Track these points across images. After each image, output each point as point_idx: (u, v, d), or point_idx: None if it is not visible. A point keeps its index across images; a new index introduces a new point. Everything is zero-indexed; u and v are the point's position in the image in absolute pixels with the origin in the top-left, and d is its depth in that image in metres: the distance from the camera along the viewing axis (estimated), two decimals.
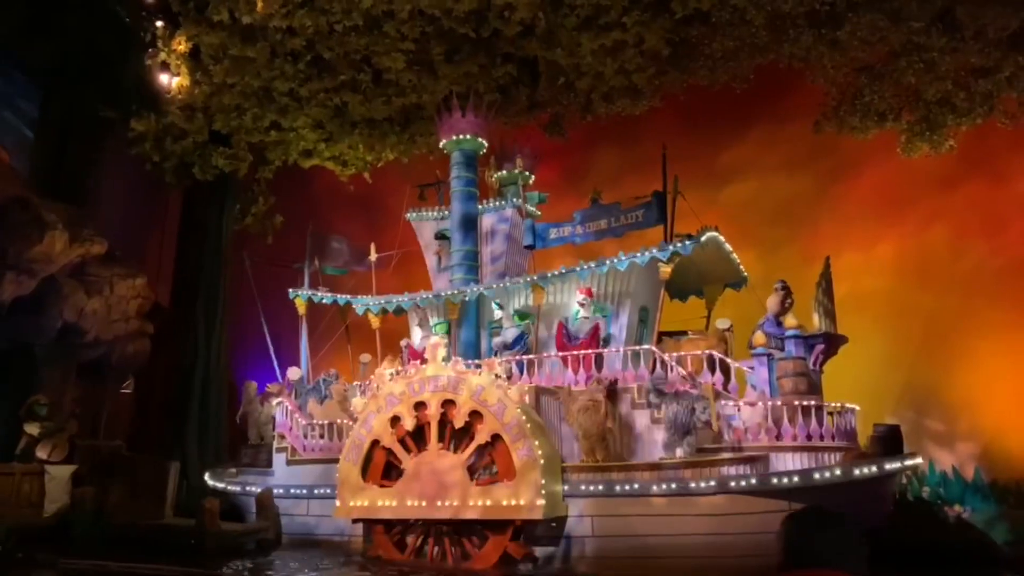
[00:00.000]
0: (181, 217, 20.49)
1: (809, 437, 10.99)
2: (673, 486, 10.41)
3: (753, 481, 10.01)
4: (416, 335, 15.43)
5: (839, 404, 11.48)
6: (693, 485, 10.30)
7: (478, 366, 12.00)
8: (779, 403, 11.19)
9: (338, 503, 12.18)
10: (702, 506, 10.21)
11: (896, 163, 17.07)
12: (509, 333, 13.98)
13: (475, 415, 11.49)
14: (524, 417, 11.20)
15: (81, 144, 18.57)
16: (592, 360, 12.70)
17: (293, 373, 15.74)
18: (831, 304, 12.21)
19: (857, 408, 11.83)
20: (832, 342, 11.99)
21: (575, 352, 12.74)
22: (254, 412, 15.98)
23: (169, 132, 17.27)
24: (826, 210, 19.22)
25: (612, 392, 11.53)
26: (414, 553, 11.60)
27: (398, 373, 12.51)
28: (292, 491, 13.51)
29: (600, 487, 10.92)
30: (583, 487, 11.08)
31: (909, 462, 10.44)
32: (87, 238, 16.14)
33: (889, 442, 10.37)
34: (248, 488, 14.34)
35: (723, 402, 11.89)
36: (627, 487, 10.72)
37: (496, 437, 11.28)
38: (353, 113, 17.08)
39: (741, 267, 14.55)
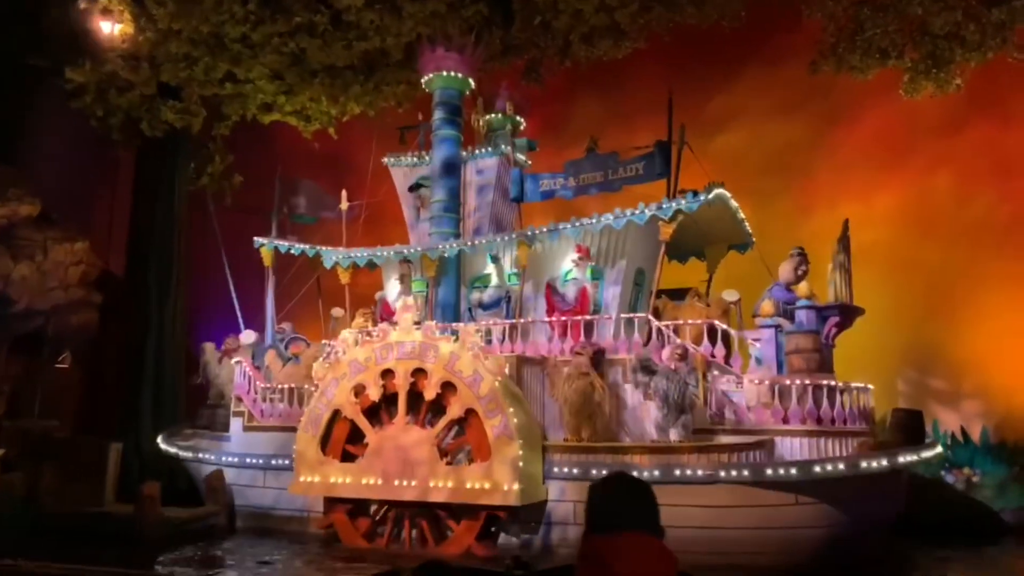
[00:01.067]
0: (134, 178, 18.84)
1: (819, 420, 9.82)
2: (667, 472, 9.24)
3: (766, 471, 8.84)
4: (392, 289, 14.09)
5: (856, 384, 10.30)
6: (689, 473, 9.14)
7: (454, 332, 10.72)
8: (787, 381, 9.99)
9: (294, 477, 11.00)
10: (699, 496, 9.07)
11: (898, 106, 15.84)
12: (489, 293, 12.67)
13: (448, 387, 10.26)
14: (502, 390, 9.96)
15: (8, 97, 16.80)
16: (581, 327, 11.44)
17: (247, 336, 14.42)
18: (849, 272, 10.95)
19: (872, 387, 10.64)
20: (848, 314, 10.76)
21: (561, 318, 11.47)
22: (213, 370, 14.71)
23: (113, 84, 15.60)
24: (823, 158, 17.99)
25: (597, 361, 10.29)
26: (381, 536, 10.48)
27: (368, 332, 11.24)
28: (248, 461, 12.31)
29: (585, 470, 9.76)
30: (566, 469, 9.92)
31: (927, 453, 9.31)
32: (14, 198, 14.59)
33: (909, 430, 9.21)
34: (202, 455, 13.14)
35: (724, 377, 10.69)
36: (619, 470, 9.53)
37: (470, 412, 10.06)
38: (312, 60, 15.55)
39: (748, 227, 13.22)
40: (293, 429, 11.62)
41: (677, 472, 9.18)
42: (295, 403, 12.23)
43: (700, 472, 9.07)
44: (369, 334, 11.21)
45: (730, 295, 12.23)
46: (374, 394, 10.66)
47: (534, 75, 16.64)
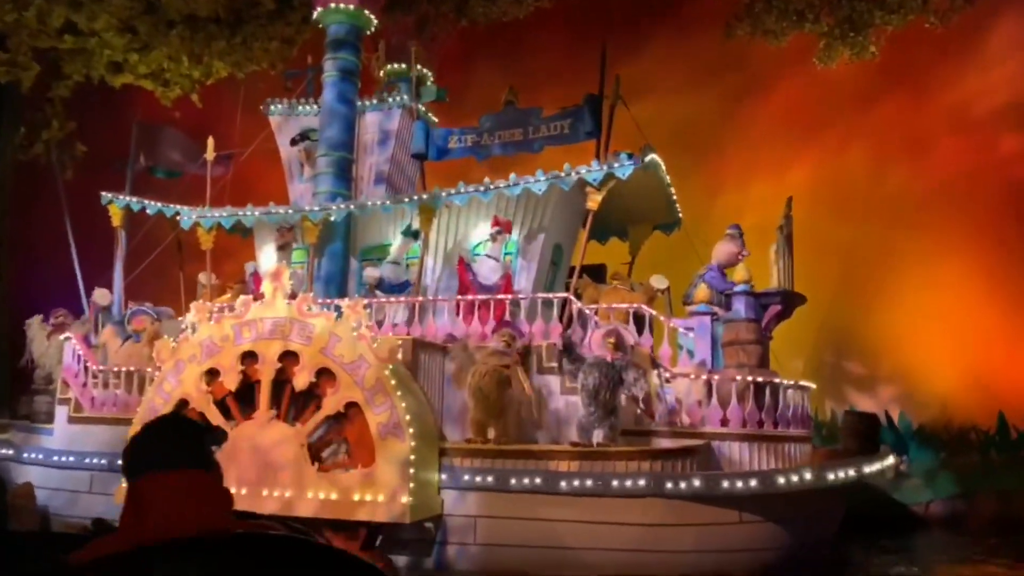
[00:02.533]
0: None
1: (761, 423, 8.49)
2: (590, 483, 7.64)
3: (721, 483, 7.35)
4: (267, 260, 11.88)
5: (800, 382, 9.05)
6: (617, 484, 7.56)
7: (338, 308, 8.73)
8: (727, 376, 8.60)
9: (123, 484, 8.72)
10: (630, 511, 7.51)
11: (811, 78, 15.22)
12: (386, 269, 10.71)
13: (324, 374, 8.28)
14: (393, 381, 8.08)
15: None
16: (505, 310, 9.69)
17: (101, 297, 11.91)
18: (791, 255, 9.72)
19: (813, 387, 9.43)
20: (789, 302, 9.53)
21: (485, 298, 9.66)
22: (40, 347, 12.08)
23: None
24: (733, 134, 17.16)
25: (525, 353, 8.59)
26: None
27: (230, 307, 9.09)
28: (67, 460, 9.89)
29: (491, 478, 8.02)
30: (466, 477, 8.15)
31: (887, 463, 8.13)
32: None
33: (864, 436, 7.99)
34: (4, 452, 10.58)
35: (652, 371, 9.20)
36: (527, 480, 7.87)
37: (352, 406, 8.13)
38: (168, 9, 13.18)
39: (677, 205, 11.86)
40: (129, 421, 9.34)
41: (615, 483, 7.59)
42: (134, 389, 9.89)
43: (641, 482, 7.51)
44: (231, 308, 9.06)
45: (659, 281, 10.80)
46: (230, 382, 8.55)
47: (427, 34, 14.85)
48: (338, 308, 8.65)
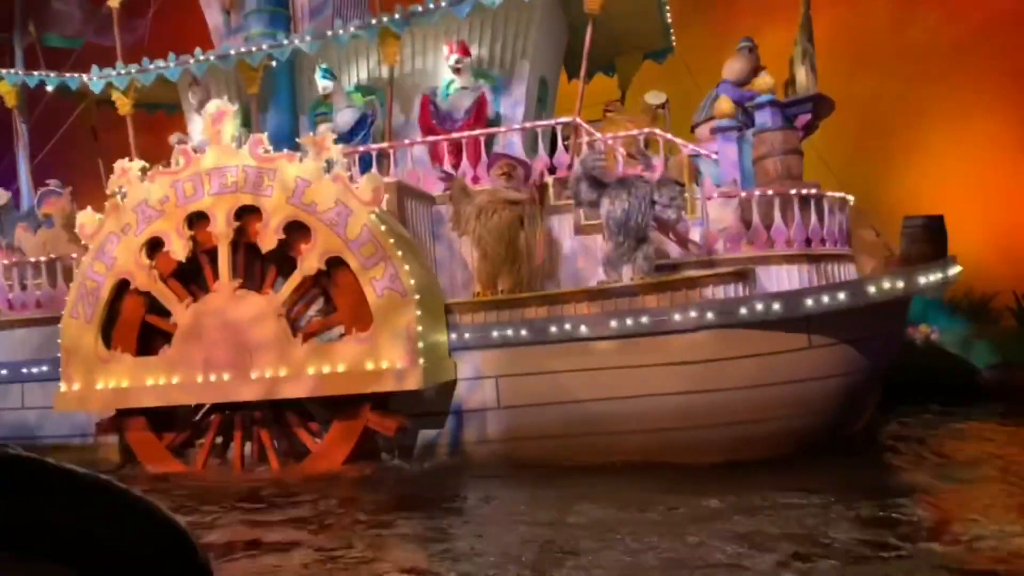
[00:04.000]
0: None
1: (809, 241, 7.43)
2: (638, 321, 6.49)
3: (768, 306, 6.25)
4: (196, 130, 10.05)
5: (838, 194, 7.97)
6: (675, 317, 6.42)
7: (297, 148, 7.15)
8: (768, 193, 7.44)
9: (63, 387, 7.21)
10: (676, 350, 6.42)
11: None
12: (344, 117, 9.05)
13: (296, 229, 6.79)
14: (383, 227, 6.66)
15: None
16: (481, 145, 8.26)
17: None
18: (814, 57, 8.47)
19: (852, 199, 8.37)
20: (820, 108, 8.34)
21: (455, 136, 8.17)
22: None
23: None
24: None
25: (543, 191, 7.22)
26: (208, 461, 7.05)
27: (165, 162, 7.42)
28: None
29: (511, 331, 6.79)
30: (481, 334, 6.90)
31: (954, 270, 7.19)
32: None
33: (935, 240, 6.99)
34: None
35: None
36: (555, 328, 6.67)
37: (335, 263, 6.70)
38: None
39: (671, 27, 10.42)
40: (57, 320, 7.74)
41: (644, 319, 6.46)
42: (59, 280, 8.21)
43: (695, 313, 6.38)
44: (167, 164, 7.37)
45: (655, 96, 9.49)
46: (179, 251, 6.99)
47: None
48: (297, 147, 7.06)
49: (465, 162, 8.03)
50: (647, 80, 11.37)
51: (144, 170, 7.26)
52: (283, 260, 6.94)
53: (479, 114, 8.53)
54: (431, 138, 8.23)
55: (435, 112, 8.48)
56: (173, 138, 9.91)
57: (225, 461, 7.16)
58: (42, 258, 8.26)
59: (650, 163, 7.44)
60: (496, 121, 8.86)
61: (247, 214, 6.90)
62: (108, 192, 7.33)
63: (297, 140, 7.23)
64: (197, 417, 7.27)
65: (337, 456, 6.65)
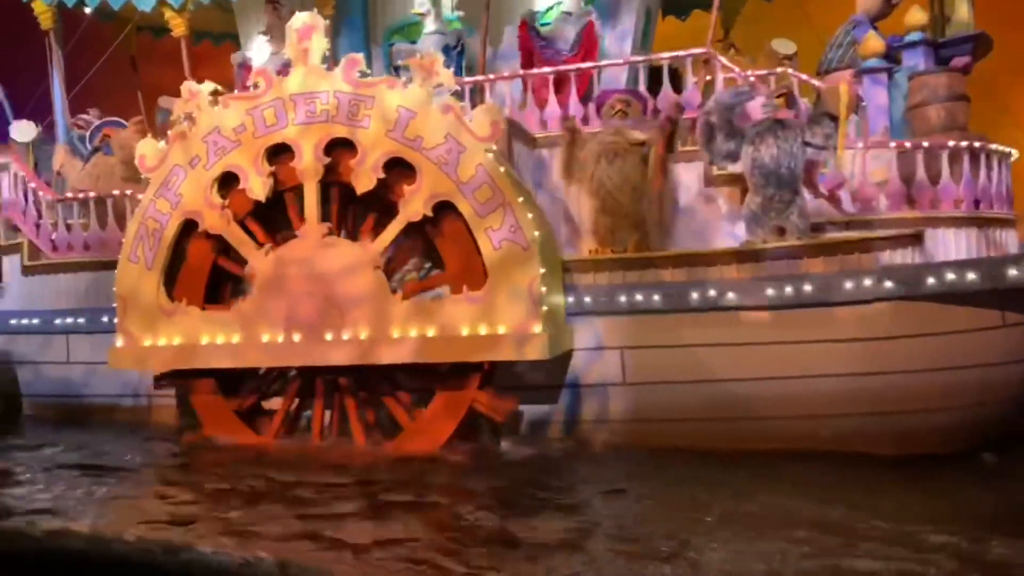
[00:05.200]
0: None
1: (977, 202, 6.44)
2: (791, 290, 5.54)
3: (962, 275, 5.28)
4: (261, 51, 9.01)
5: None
6: (833, 288, 5.47)
7: (397, 70, 6.15)
8: (935, 145, 6.41)
9: (119, 342, 6.31)
10: (845, 324, 5.47)
11: None
12: (428, 45, 7.98)
13: (397, 167, 5.81)
14: (502, 168, 5.68)
15: None
16: (593, 83, 7.23)
17: (21, 131, 8.96)
18: None
19: (1016, 154, 7.31)
20: (981, 47, 7.26)
21: (564, 68, 7.12)
22: None
23: None
24: None
25: (674, 129, 6.18)
26: (284, 431, 6.18)
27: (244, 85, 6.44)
28: (33, 323, 7.37)
29: (642, 296, 5.84)
30: (605, 298, 5.96)
31: None
32: None
33: None
34: None
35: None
36: (698, 294, 5.72)
37: (443, 208, 5.74)
38: None
39: None
40: (113, 264, 6.82)
41: (808, 287, 5.50)
42: (110, 219, 7.25)
43: (848, 284, 5.43)
44: (247, 86, 6.36)
45: (783, 45, 8.41)
46: (257, 189, 6.02)
47: None
48: (397, 69, 6.05)
49: (574, 101, 7.00)
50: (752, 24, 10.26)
51: (216, 93, 6.26)
52: (380, 203, 5.98)
53: (588, 47, 7.48)
54: (536, 70, 7.15)
55: (537, 38, 7.41)
56: (236, 56, 8.85)
57: (297, 432, 6.30)
58: (93, 193, 7.29)
59: (798, 105, 6.40)
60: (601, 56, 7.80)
61: (339, 148, 5.91)
62: (173, 118, 6.33)
63: (400, 63, 6.17)
64: (268, 379, 6.38)
65: (437, 435, 5.75)
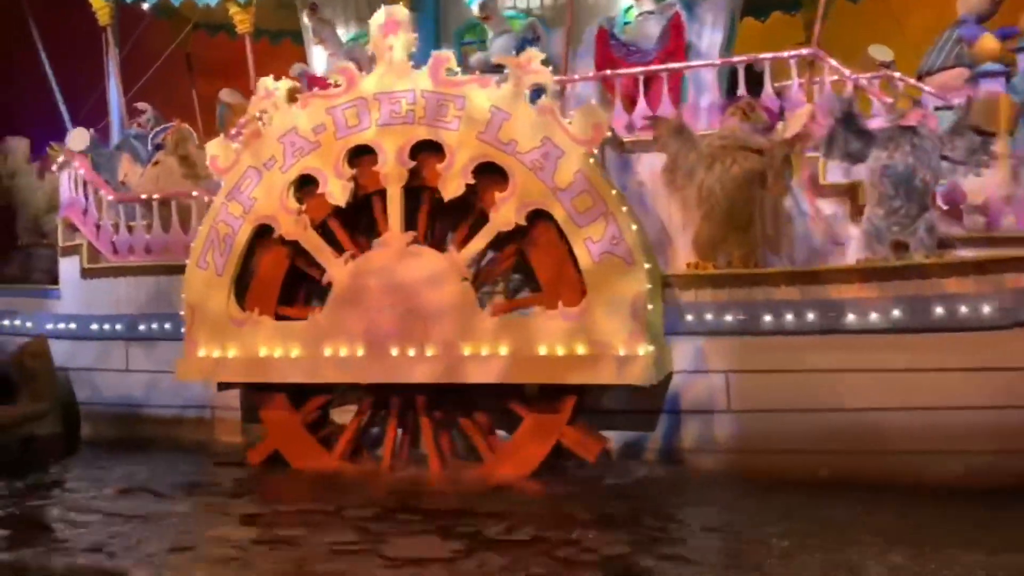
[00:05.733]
0: None
1: None
2: (923, 312, 5.02)
3: None
4: (320, 58, 8.70)
5: None
6: (972, 311, 4.96)
7: (495, 69, 5.76)
8: None
9: (186, 351, 5.97)
10: (984, 351, 4.95)
11: None
12: (500, 44, 7.58)
13: (488, 172, 5.41)
14: (603, 176, 5.25)
15: None
16: (679, 82, 6.78)
17: (76, 140, 8.65)
18: None
19: None
20: None
21: (652, 68, 6.66)
22: (26, 189, 9.04)
23: None
24: None
25: (797, 141, 5.67)
26: (351, 450, 5.80)
27: (324, 82, 6.09)
28: (92, 328, 7.07)
29: (750, 315, 5.37)
30: (709, 316, 5.48)
31: None
32: None
33: None
34: (8, 323, 7.74)
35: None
36: (816, 314, 5.23)
37: (537, 217, 5.32)
38: None
39: None
40: (177, 269, 6.52)
41: (940, 310, 4.99)
42: (174, 222, 6.93)
43: (988, 308, 4.91)
44: (327, 84, 5.99)
45: (881, 51, 7.84)
46: (337, 193, 5.65)
47: None
48: (495, 68, 5.65)
49: (667, 103, 6.54)
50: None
51: (294, 92, 5.91)
52: (467, 210, 5.58)
53: (676, 41, 7.01)
54: (626, 70, 6.68)
55: (616, 44, 6.94)
56: (296, 67, 8.55)
57: (364, 452, 5.91)
58: (157, 196, 6.98)
59: (926, 110, 5.88)
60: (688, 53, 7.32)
61: (424, 151, 5.53)
62: (247, 118, 6.00)
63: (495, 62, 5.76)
64: (338, 394, 5.99)
65: (526, 461, 5.33)
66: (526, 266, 5.57)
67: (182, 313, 6.18)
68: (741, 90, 6.46)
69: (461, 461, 5.62)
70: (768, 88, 6.46)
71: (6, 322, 7.68)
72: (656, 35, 7.11)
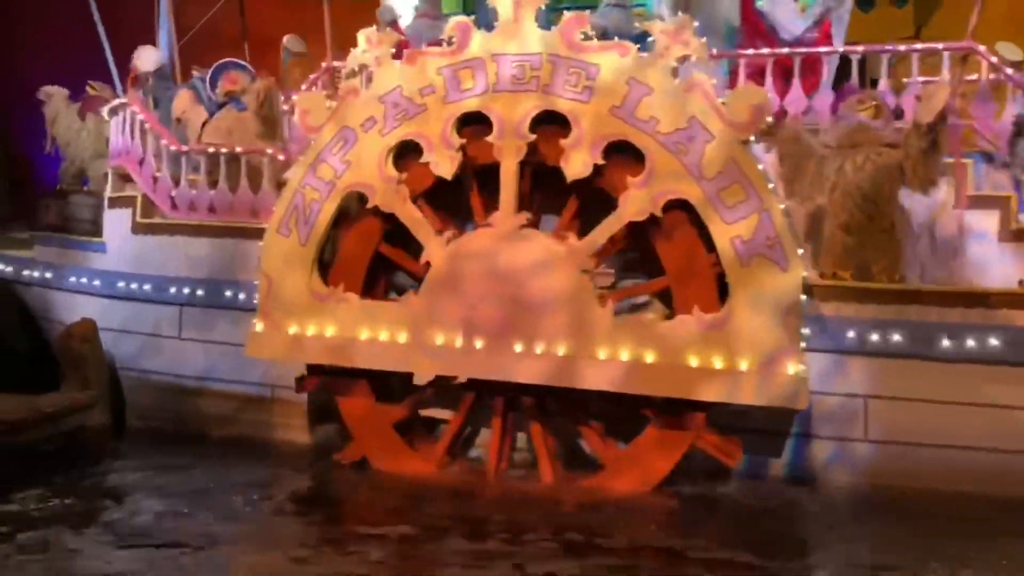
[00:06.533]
0: None
1: None
2: None
3: None
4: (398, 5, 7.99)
5: None
6: None
7: (627, 32, 5.12)
8: None
9: (258, 326, 5.38)
10: None
11: None
12: (613, 16, 6.85)
13: (618, 152, 4.80)
14: (760, 167, 4.64)
15: None
16: (825, 68, 6.12)
17: (145, 59, 8.02)
18: None
19: None
20: None
21: (798, 50, 5.99)
22: (66, 126, 8.42)
23: None
24: None
25: (939, 128, 5.06)
26: (449, 452, 5.25)
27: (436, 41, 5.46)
28: (144, 290, 6.45)
29: (900, 336, 4.77)
30: (850, 334, 4.89)
31: None
32: None
33: None
34: (49, 276, 7.14)
35: None
36: (978, 340, 4.65)
37: (674, 207, 4.71)
38: None
39: None
40: (242, 232, 5.93)
41: None
42: (243, 180, 6.29)
43: None
44: (439, 42, 5.34)
45: (1010, 51, 7.20)
46: (443, 164, 5.03)
47: None
48: (640, 38, 5.01)
49: (798, 92, 5.88)
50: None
51: (401, 46, 5.27)
52: (589, 194, 4.98)
53: (824, 34, 6.37)
54: (768, 51, 5.99)
55: (768, 25, 6.27)
56: (385, 11, 7.78)
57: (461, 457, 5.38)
58: (224, 148, 6.33)
59: None
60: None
61: (546, 124, 4.91)
62: (344, 73, 5.37)
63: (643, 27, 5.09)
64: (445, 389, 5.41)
65: (649, 474, 4.78)
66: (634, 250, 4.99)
67: (256, 281, 5.59)
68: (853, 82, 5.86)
69: (568, 469, 5.07)
70: (883, 84, 5.82)
71: (48, 274, 7.06)
72: (810, 21, 6.40)
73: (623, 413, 5.03)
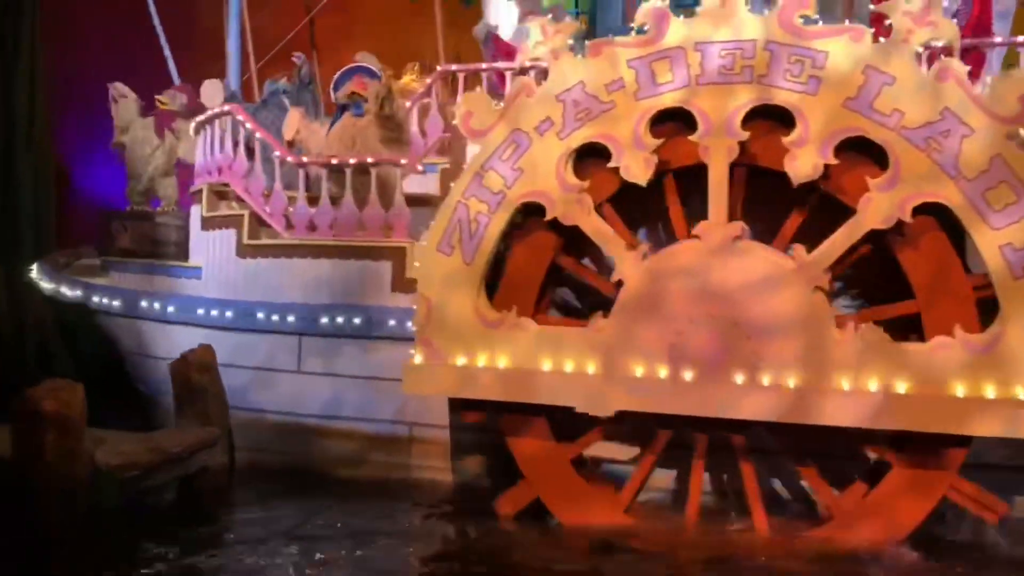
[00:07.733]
0: None
1: None
2: None
3: None
4: (503, 14, 7.42)
5: None
6: None
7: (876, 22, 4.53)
8: None
9: (417, 357, 4.69)
10: None
11: None
12: None
13: (851, 152, 4.16)
14: (1020, 157, 4.01)
15: None
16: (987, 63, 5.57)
17: (209, 93, 7.38)
18: None
19: None
20: None
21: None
22: (143, 147, 7.81)
23: None
24: None
25: None
26: (633, 499, 4.57)
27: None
28: (257, 318, 5.74)
29: None
30: None
31: None
32: None
33: None
34: (145, 304, 6.44)
35: None
36: None
37: (921, 213, 4.07)
38: None
39: None
40: (370, 252, 5.29)
41: None
42: (372, 194, 5.60)
43: None
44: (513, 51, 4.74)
45: None
46: (636, 169, 4.38)
47: None
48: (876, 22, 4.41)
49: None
50: None
51: (583, 37, 4.65)
52: (804, 199, 4.34)
53: (983, 12, 5.80)
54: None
55: None
56: (480, 28, 7.21)
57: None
58: (350, 159, 5.66)
59: None
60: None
61: (760, 119, 4.29)
62: (516, 68, 4.75)
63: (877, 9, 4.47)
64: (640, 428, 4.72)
65: (899, 522, 4.10)
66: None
67: (390, 305, 4.94)
68: None
69: (779, 517, 4.39)
70: None
71: (143, 303, 6.37)
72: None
73: (836, 452, 4.38)
